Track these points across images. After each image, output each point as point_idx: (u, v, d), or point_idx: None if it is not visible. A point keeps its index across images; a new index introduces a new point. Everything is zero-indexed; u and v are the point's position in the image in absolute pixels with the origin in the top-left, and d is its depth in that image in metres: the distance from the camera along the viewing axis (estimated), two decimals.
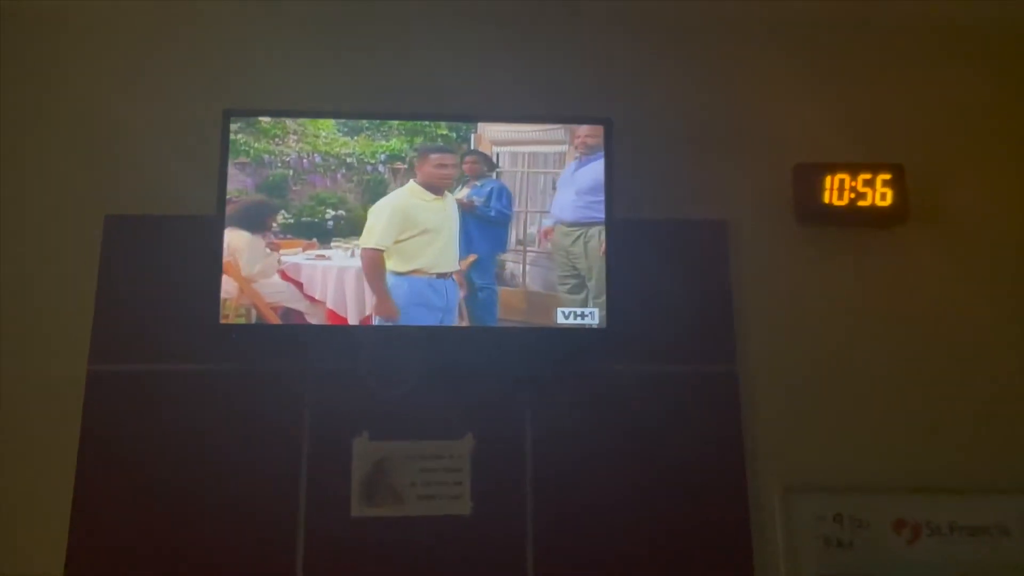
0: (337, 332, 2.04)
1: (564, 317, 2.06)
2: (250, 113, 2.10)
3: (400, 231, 2.07)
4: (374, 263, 2.05)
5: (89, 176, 2.25)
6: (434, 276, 2.06)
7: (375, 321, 2.05)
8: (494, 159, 2.14)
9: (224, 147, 2.06)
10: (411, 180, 2.10)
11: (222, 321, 1.99)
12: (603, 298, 2.09)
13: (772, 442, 2.15)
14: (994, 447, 2.15)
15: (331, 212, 2.11)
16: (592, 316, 2.06)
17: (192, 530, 2.02)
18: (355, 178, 2.12)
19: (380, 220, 2.07)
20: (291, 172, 2.09)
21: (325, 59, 2.35)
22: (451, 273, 2.06)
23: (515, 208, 2.10)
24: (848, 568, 2.07)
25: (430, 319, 2.05)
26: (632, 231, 2.20)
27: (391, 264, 2.06)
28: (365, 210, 2.09)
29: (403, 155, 2.14)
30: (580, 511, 2.09)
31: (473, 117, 2.18)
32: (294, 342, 2.08)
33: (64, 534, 2.00)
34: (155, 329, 2.14)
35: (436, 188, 2.09)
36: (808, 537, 2.07)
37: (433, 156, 2.09)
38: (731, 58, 2.42)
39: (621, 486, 2.10)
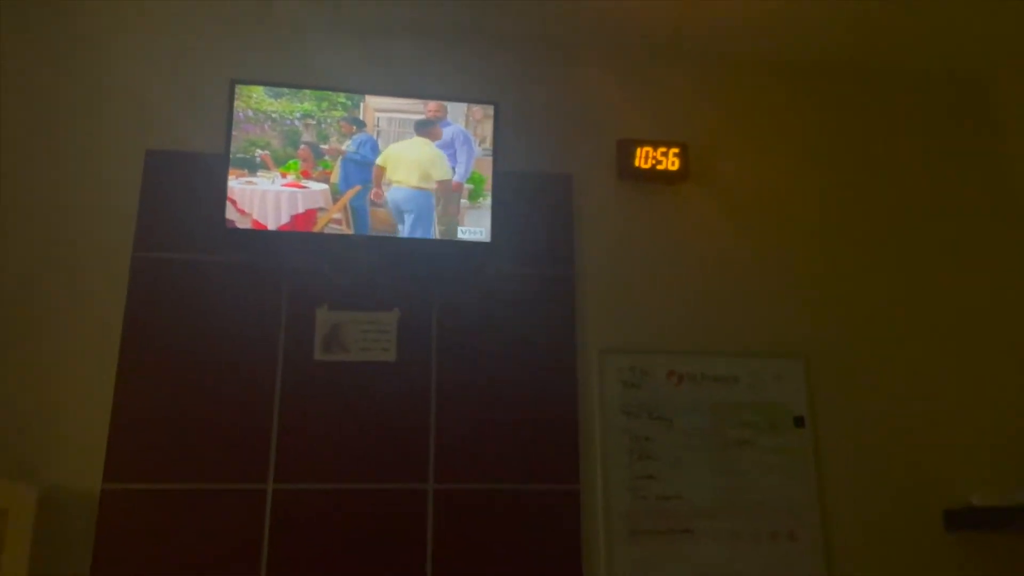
0: (307, 238, 2.33)
1: (463, 233, 2.40)
2: (253, 82, 2.39)
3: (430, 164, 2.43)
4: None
5: (135, 120, 2.55)
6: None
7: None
8: (376, 121, 2.38)
9: (230, 106, 2.36)
10: (415, 135, 2.42)
11: (227, 226, 2.33)
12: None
13: (594, 320, 2.53)
14: (730, 326, 2.62)
15: (259, 151, 2.35)
16: (482, 233, 2.41)
17: (205, 375, 2.33)
18: (277, 129, 2.35)
19: (422, 156, 2.40)
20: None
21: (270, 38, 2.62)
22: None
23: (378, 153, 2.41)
24: (638, 402, 2.48)
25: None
26: (508, 179, 2.56)
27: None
28: (285, 151, 2.32)
29: (312, 114, 2.34)
30: (466, 360, 2.45)
31: (363, 90, 2.43)
32: (276, 243, 2.37)
33: (111, 386, 2.28)
34: (181, 228, 2.44)
35: (431, 138, 2.45)
36: (613, 381, 2.49)
37: (443, 123, 2.45)
38: (579, 66, 2.74)
39: (492, 345, 2.48)
